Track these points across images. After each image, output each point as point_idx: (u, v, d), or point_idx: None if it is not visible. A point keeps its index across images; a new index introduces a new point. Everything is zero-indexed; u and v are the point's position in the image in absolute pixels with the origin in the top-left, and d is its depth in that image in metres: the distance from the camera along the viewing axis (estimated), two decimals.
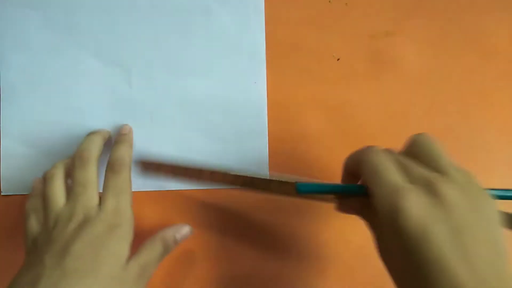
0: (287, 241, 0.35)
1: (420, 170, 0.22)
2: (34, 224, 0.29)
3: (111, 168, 0.29)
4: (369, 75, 0.35)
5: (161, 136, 0.35)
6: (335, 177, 0.33)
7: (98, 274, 0.25)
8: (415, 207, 0.20)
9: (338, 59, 0.35)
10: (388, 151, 0.24)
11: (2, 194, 0.34)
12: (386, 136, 0.35)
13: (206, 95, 0.35)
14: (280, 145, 0.35)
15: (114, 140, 0.32)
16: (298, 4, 0.35)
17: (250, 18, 0.35)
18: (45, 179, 0.29)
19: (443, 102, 0.36)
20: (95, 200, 0.28)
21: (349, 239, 0.35)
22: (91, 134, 0.31)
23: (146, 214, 0.34)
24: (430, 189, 0.20)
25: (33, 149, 0.34)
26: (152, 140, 0.34)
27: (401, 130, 0.35)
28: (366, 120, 0.35)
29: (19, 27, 0.34)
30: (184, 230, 0.31)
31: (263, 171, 0.35)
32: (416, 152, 0.24)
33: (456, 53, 0.36)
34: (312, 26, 0.35)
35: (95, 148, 0.30)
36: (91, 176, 0.29)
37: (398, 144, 0.35)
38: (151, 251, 0.28)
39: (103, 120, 0.34)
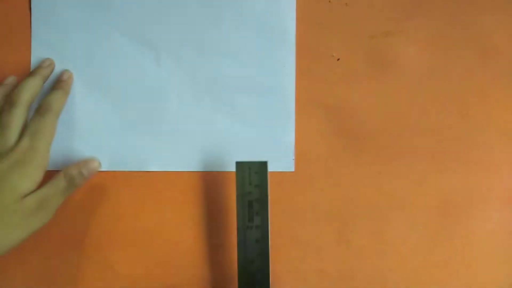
0: (287, 241, 0.35)
1: None
2: None
3: (37, 110, 0.31)
4: (369, 75, 0.35)
5: (188, 116, 0.35)
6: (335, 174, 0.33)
7: None
8: None
9: (338, 59, 0.35)
10: None
11: None
12: (386, 136, 0.35)
13: (234, 76, 0.35)
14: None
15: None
16: (298, 4, 0.35)
17: (281, 1, 0.35)
18: (9, 102, 0.31)
19: (443, 102, 0.36)
20: (12, 141, 0.30)
21: (349, 239, 0.35)
22: (29, 76, 0.32)
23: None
24: None
25: (63, 127, 0.34)
26: (179, 120, 0.34)
27: (401, 130, 0.35)
28: (366, 120, 0.35)
29: (51, 4, 0.34)
30: (92, 165, 0.32)
31: (289, 157, 0.34)
32: None
33: (456, 53, 0.36)
34: (312, 26, 0.35)
35: (26, 92, 0.31)
36: (15, 119, 0.30)
37: (398, 143, 0.35)
38: (53, 185, 0.30)
39: (131, 98, 0.34)
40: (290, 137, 0.35)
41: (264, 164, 0.32)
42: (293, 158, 0.35)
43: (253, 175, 0.32)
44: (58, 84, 0.33)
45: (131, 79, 0.34)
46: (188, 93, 0.35)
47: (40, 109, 0.31)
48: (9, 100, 0.31)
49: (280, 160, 0.35)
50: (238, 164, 0.32)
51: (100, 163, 0.33)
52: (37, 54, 0.34)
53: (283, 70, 0.35)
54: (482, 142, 0.35)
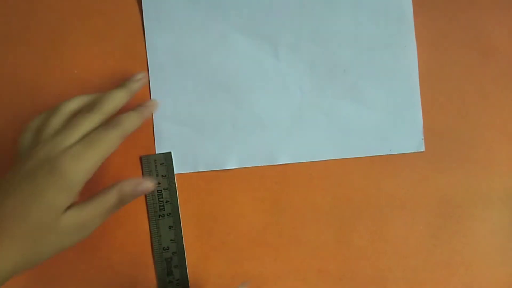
0: (287, 241, 0.35)
1: None
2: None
3: (106, 122, 0.28)
4: None
5: (311, 106, 0.35)
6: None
7: (27, 219, 0.25)
8: None
9: None
10: None
11: None
12: None
13: (354, 62, 0.35)
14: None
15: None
16: None
17: None
18: (89, 108, 0.29)
19: (443, 102, 0.36)
20: (68, 143, 0.27)
21: (349, 239, 0.35)
22: (116, 88, 0.30)
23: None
24: None
25: (187, 129, 0.34)
26: (303, 110, 0.35)
27: None
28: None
29: (163, 7, 0.34)
30: (147, 185, 0.29)
31: (418, 137, 0.35)
32: None
33: (456, 53, 0.36)
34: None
35: (107, 102, 0.29)
36: (84, 124, 0.28)
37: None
38: (101, 201, 0.27)
39: (253, 95, 0.34)
40: (417, 117, 0.35)
41: (168, 155, 0.34)
42: (423, 137, 0.35)
43: (159, 166, 0.33)
44: (139, 107, 0.31)
45: (252, 76, 0.34)
46: (309, 84, 0.35)
47: (109, 124, 0.28)
48: (89, 106, 0.29)
49: (409, 142, 0.35)
50: (144, 158, 0.33)
51: (154, 184, 0.30)
52: (153, 60, 0.34)
53: (403, 50, 0.35)
54: (482, 142, 0.35)
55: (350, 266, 0.35)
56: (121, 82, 0.34)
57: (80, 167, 0.26)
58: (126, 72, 0.34)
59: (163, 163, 0.33)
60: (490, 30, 0.36)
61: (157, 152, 0.34)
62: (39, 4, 0.34)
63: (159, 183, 0.33)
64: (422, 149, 0.35)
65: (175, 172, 0.34)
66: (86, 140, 0.27)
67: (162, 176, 0.33)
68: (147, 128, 0.34)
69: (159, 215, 0.33)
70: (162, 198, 0.33)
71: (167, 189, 0.33)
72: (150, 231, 0.33)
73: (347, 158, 0.35)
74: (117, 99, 0.30)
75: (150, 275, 0.34)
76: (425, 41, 0.35)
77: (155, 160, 0.33)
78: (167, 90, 0.34)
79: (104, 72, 0.34)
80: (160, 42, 0.34)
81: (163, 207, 0.33)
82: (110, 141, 0.27)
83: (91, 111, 0.28)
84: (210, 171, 0.34)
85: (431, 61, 0.35)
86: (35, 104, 0.34)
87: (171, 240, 0.33)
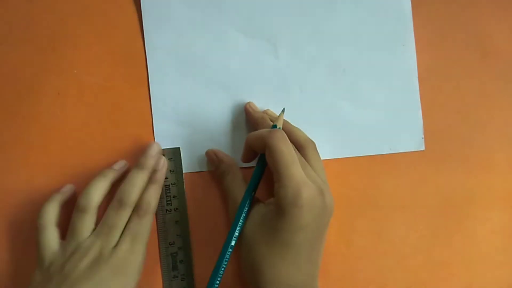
0: None
1: (313, 173, 0.29)
2: (53, 240, 0.30)
3: (137, 210, 0.30)
4: None
5: (311, 106, 0.35)
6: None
7: None
8: (310, 197, 0.27)
9: None
10: (291, 145, 0.28)
11: None
12: None
13: (354, 62, 0.35)
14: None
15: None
16: None
17: None
18: (79, 209, 0.30)
19: (443, 102, 0.36)
20: (114, 242, 0.29)
21: (349, 239, 0.35)
22: (134, 174, 0.31)
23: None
24: (320, 190, 0.28)
25: (187, 129, 0.34)
26: (302, 110, 0.35)
27: None
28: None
29: (163, 6, 0.34)
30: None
31: (418, 136, 0.35)
32: (306, 156, 0.30)
33: (456, 53, 0.36)
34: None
35: (134, 193, 0.30)
36: (121, 221, 0.30)
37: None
38: None
39: (253, 94, 0.34)
40: (417, 116, 0.35)
41: (177, 150, 0.34)
42: (423, 136, 0.35)
43: (168, 161, 0.33)
44: (154, 176, 0.31)
45: (252, 75, 0.35)
46: (309, 83, 0.35)
47: (140, 210, 0.30)
48: (119, 200, 0.30)
49: (409, 140, 0.35)
50: None
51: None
52: (152, 59, 0.34)
53: (402, 49, 0.35)
54: (482, 142, 0.35)
55: (350, 266, 0.35)
56: (120, 84, 0.34)
57: (134, 261, 0.29)
58: (126, 72, 0.34)
59: (171, 158, 0.33)
60: (490, 30, 0.36)
61: None
62: (39, 4, 0.34)
63: (167, 178, 0.33)
64: (422, 147, 0.35)
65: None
66: (129, 236, 0.30)
67: (170, 171, 0.33)
68: (147, 129, 0.34)
69: (166, 210, 0.33)
70: (170, 193, 0.33)
71: (174, 184, 0.33)
72: (157, 225, 0.33)
73: (346, 157, 0.35)
74: (139, 183, 0.31)
75: (155, 269, 0.34)
76: (425, 40, 0.35)
77: (163, 155, 0.33)
78: (166, 90, 0.34)
79: (104, 72, 0.34)
80: (159, 42, 0.34)
81: (170, 202, 0.33)
82: (148, 227, 0.30)
83: (121, 206, 0.30)
84: (211, 171, 0.34)
85: (430, 60, 0.36)
86: (35, 104, 0.34)
87: (177, 235, 0.33)
